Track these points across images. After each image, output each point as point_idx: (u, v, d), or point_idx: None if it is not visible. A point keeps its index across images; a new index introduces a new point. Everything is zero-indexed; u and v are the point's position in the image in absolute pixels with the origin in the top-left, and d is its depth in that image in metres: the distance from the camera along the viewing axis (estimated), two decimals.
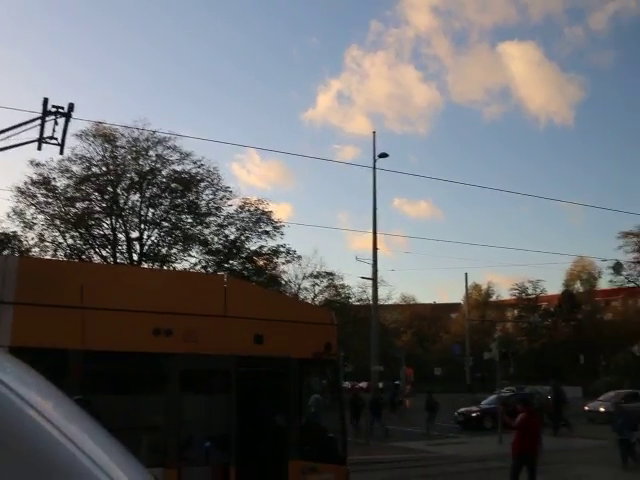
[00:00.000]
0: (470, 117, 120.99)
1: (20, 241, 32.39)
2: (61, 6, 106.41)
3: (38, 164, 31.72)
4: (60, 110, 14.85)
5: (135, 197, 33.78)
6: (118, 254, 33.60)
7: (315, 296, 50.00)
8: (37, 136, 15.12)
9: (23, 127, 14.80)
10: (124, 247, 33.98)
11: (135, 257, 33.51)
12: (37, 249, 32.34)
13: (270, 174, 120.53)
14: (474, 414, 29.83)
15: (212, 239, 35.56)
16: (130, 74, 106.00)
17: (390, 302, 66.12)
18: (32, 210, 32.33)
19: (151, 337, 7.49)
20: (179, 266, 34.58)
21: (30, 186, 31.92)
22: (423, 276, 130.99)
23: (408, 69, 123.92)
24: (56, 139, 15.32)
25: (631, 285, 64.78)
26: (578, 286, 75.77)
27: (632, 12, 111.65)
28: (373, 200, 30.01)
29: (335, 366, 9.64)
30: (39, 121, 14.86)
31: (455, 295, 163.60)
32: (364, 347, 41.45)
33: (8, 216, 32.14)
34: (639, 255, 61.08)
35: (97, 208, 33.40)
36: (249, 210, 35.69)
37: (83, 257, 32.86)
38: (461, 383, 53.11)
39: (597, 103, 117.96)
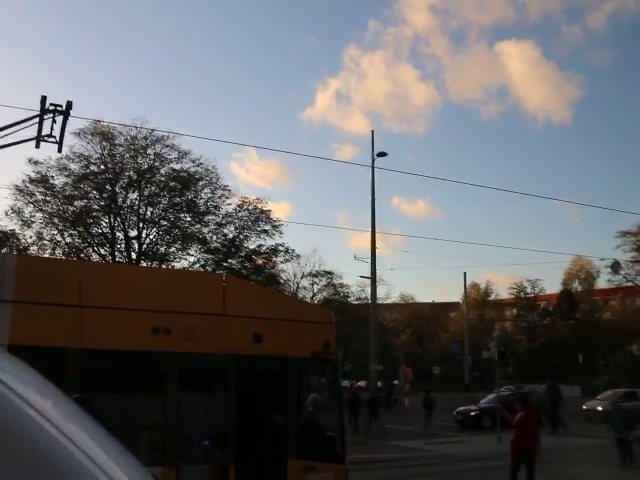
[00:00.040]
0: (468, 116, 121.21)
1: (18, 239, 32.37)
2: (60, 4, 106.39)
3: (36, 162, 31.73)
4: (58, 108, 14.80)
5: (133, 195, 33.78)
6: (116, 253, 33.57)
7: (314, 295, 50.08)
8: (35, 134, 15.06)
9: (21, 125, 14.74)
10: (122, 246, 33.95)
11: (133, 256, 33.49)
12: (35, 247, 32.36)
13: (269, 173, 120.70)
14: (473, 413, 29.87)
15: (211, 238, 35.59)
16: (129, 73, 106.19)
17: (389, 301, 66.36)
18: (30, 208, 32.34)
19: (150, 336, 7.48)
20: (178, 265, 34.62)
21: (28, 184, 31.90)
22: (422, 275, 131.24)
23: (406, 68, 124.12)
24: (54, 137, 15.26)
25: (629, 284, 64.80)
26: (576, 285, 75.93)
27: (630, 11, 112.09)
28: (372, 199, 30.08)
29: (334, 365, 9.64)
30: (37, 119, 14.80)
31: (454, 294, 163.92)
32: (363, 346, 41.53)
33: (6, 214, 32.15)
34: (637, 254, 61.10)
35: (95, 206, 33.36)
36: (248, 209, 35.70)
37: (81, 255, 32.82)
38: (460, 382, 53.21)
39: (595, 102, 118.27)
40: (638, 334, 56.65)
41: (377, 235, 30.82)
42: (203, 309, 8.07)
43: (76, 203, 32.76)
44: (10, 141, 15.01)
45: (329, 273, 49.99)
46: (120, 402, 7.62)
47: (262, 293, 11.60)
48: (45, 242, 32.66)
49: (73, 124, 42.76)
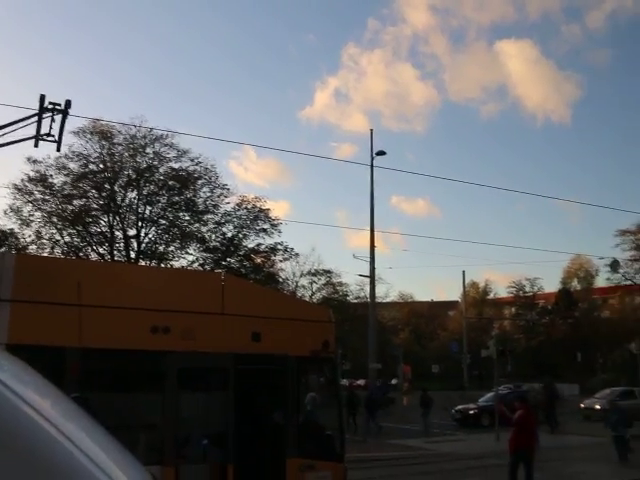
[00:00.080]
0: (467, 115, 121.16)
1: (17, 238, 32.33)
2: (60, 4, 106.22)
3: (35, 161, 31.66)
4: (57, 107, 14.78)
5: (132, 194, 33.73)
6: (115, 252, 33.53)
7: (313, 294, 50.10)
8: (34, 133, 15.04)
9: (20, 124, 14.73)
10: (121, 245, 33.92)
11: (132, 255, 33.46)
12: (34, 246, 32.27)
13: (267, 172, 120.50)
14: (471, 412, 29.89)
15: (209, 237, 35.55)
16: (128, 72, 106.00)
17: (388, 300, 66.49)
18: (29, 207, 32.29)
19: (149, 335, 7.48)
20: (176, 264, 34.55)
21: (27, 183, 31.85)
22: (421, 274, 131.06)
23: (405, 67, 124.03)
24: (53, 136, 15.24)
25: (628, 283, 64.90)
26: (575, 284, 76.02)
27: (629, 11, 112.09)
28: (370, 198, 30.07)
29: (333, 364, 9.65)
30: (36, 118, 14.79)
31: (453, 293, 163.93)
32: (362, 345, 41.54)
33: (5, 213, 32.12)
34: (636, 253, 61.19)
35: (94, 205, 33.32)
36: (246, 208, 35.65)
37: (80, 254, 32.77)
38: (459, 380, 53.22)
39: (594, 101, 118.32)
40: (637, 332, 56.53)
41: (376, 234, 30.88)
42: (202, 308, 8.07)
43: (75, 202, 32.72)
44: (9, 140, 15.03)
45: (328, 272, 50.05)
46: (119, 401, 7.63)
47: (261, 292, 11.61)
48: (44, 241, 32.64)
49: (72, 123, 42.88)
